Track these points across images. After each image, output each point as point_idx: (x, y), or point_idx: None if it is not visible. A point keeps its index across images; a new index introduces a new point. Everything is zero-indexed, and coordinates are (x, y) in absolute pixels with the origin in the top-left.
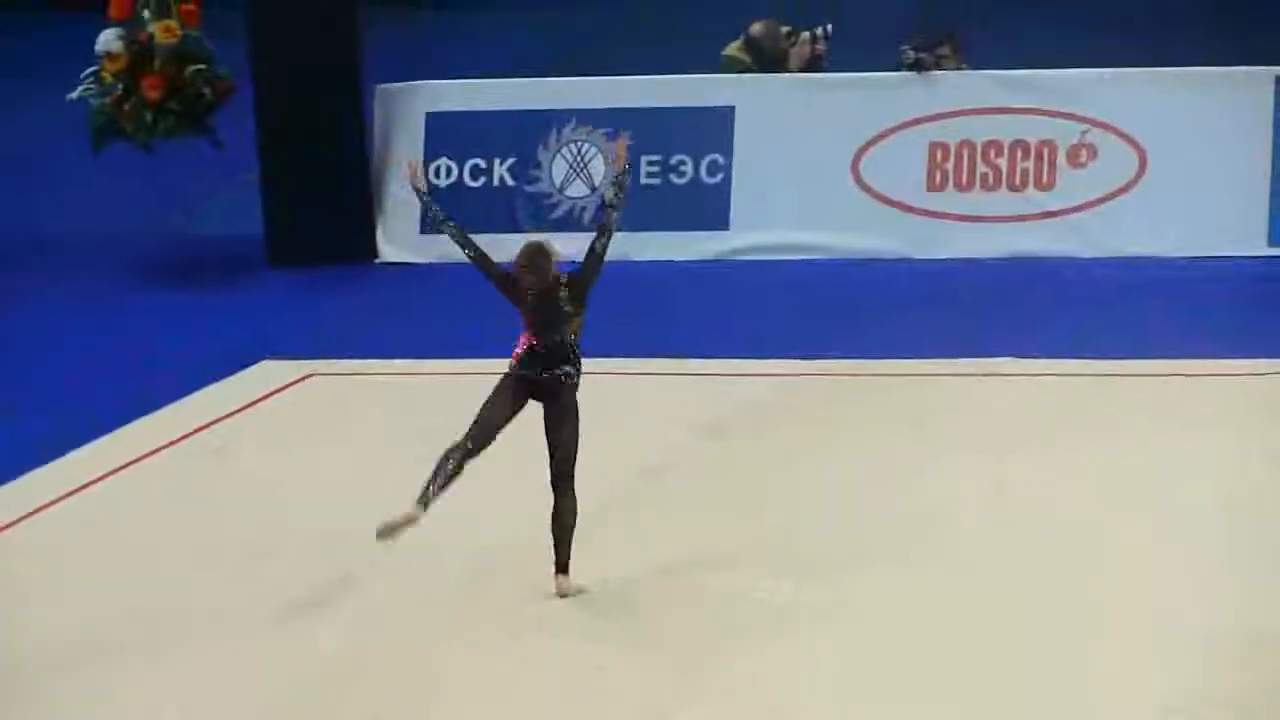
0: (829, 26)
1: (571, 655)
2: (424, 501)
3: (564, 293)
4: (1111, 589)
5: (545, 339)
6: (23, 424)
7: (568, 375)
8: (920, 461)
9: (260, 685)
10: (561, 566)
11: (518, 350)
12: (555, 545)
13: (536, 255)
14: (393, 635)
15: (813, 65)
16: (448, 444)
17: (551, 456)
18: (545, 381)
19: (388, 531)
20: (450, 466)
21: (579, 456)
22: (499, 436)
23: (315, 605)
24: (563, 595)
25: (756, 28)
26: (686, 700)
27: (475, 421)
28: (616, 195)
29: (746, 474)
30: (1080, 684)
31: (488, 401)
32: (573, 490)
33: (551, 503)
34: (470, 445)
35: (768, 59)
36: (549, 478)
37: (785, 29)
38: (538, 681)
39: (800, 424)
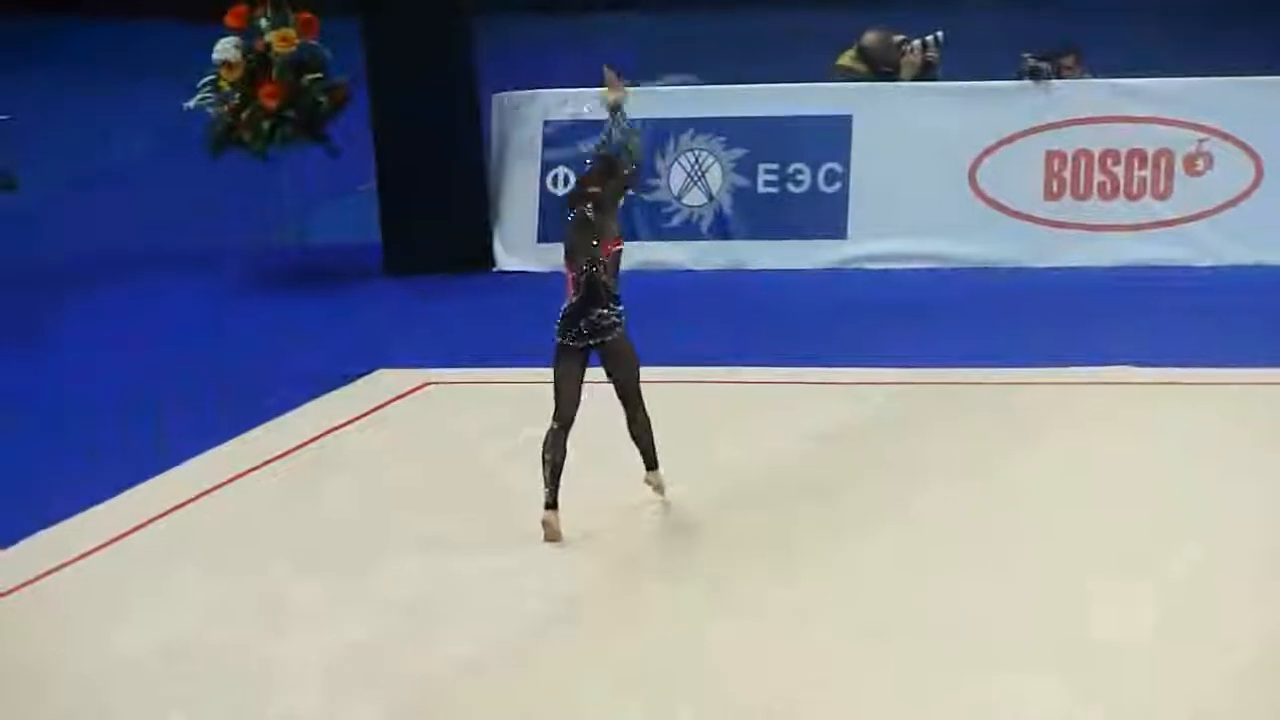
0: (940, 35)
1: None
2: (551, 503)
3: (590, 204)
4: (1197, 605)
5: (575, 269)
6: (140, 431)
7: (606, 328)
8: (1026, 465)
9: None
10: (650, 464)
11: (563, 312)
12: (641, 451)
13: (600, 157)
14: (501, 652)
15: (925, 74)
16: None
17: (615, 385)
18: (590, 346)
19: (550, 538)
20: (549, 457)
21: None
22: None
23: (422, 614)
24: (657, 489)
25: (869, 37)
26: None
27: (555, 397)
28: (621, 134)
29: (860, 481)
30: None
31: (556, 374)
32: (642, 404)
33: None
34: (558, 425)
35: (880, 68)
36: (618, 396)
37: (898, 38)
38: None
39: (911, 432)
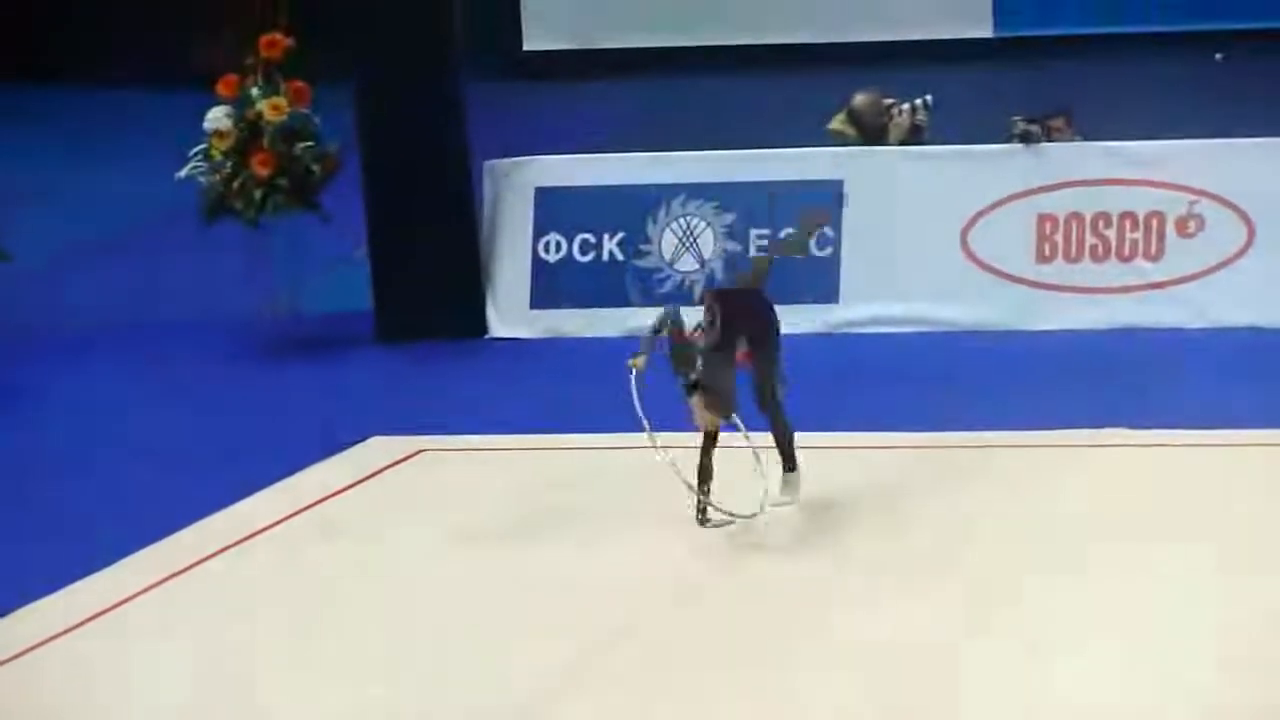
0: (929, 98)
1: None
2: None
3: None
4: (1218, 673)
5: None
6: (129, 504)
7: None
8: (1027, 531)
9: None
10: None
11: None
12: None
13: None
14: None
15: (913, 137)
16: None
17: None
18: None
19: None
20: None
21: None
22: None
23: (419, 685)
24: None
25: (859, 99)
26: None
27: None
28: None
29: (858, 545)
30: None
31: None
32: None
33: None
34: None
35: (868, 131)
36: None
37: (887, 101)
38: None
39: (905, 495)
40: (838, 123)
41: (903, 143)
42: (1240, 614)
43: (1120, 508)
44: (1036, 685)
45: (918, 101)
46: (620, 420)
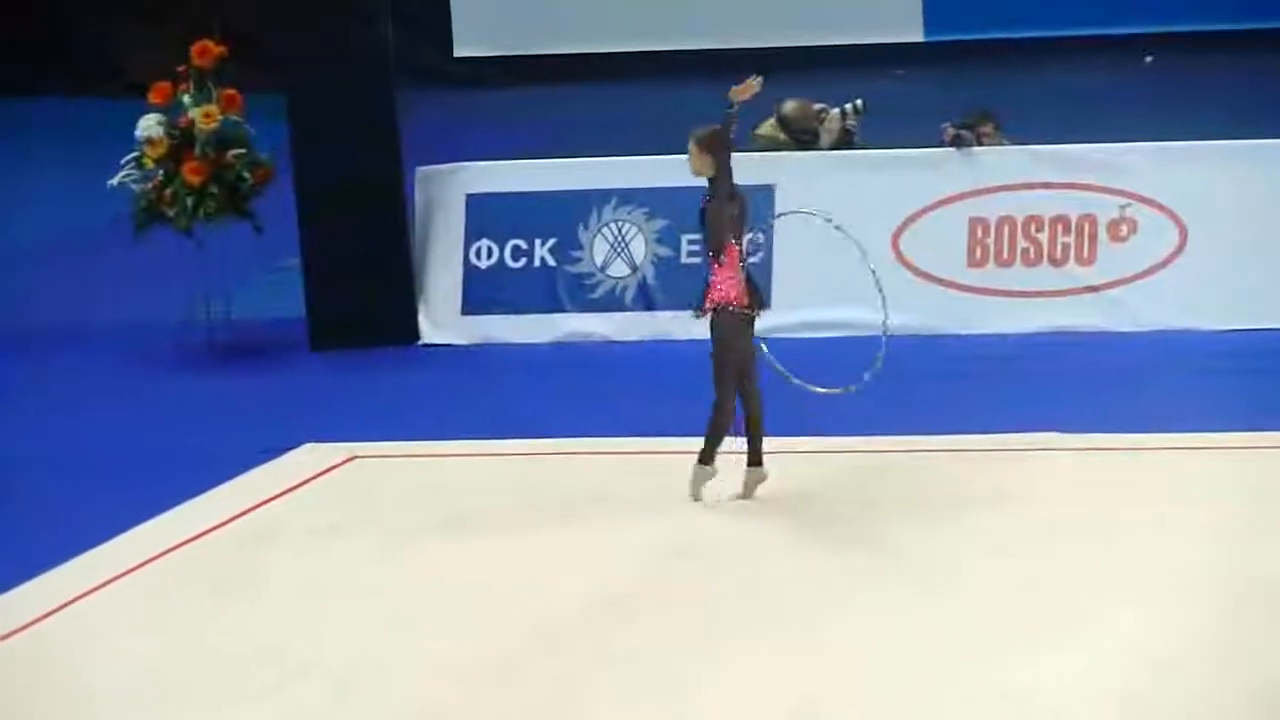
0: (859, 103)
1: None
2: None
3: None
4: (1151, 672)
5: (733, 245)
6: (62, 513)
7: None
8: (953, 533)
9: None
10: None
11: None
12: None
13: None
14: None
15: (844, 142)
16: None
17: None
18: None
19: (747, 494)
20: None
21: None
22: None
23: (355, 689)
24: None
25: (788, 105)
26: None
27: (733, 370)
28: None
29: (779, 553)
30: None
31: (738, 345)
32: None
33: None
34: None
35: (799, 136)
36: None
37: (817, 106)
38: None
39: (833, 500)
40: (767, 128)
41: (834, 147)
42: (1176, 613)
43: (1051, 511)
44: (981, 682)
45: (848, 106)
46: (551, 425)
